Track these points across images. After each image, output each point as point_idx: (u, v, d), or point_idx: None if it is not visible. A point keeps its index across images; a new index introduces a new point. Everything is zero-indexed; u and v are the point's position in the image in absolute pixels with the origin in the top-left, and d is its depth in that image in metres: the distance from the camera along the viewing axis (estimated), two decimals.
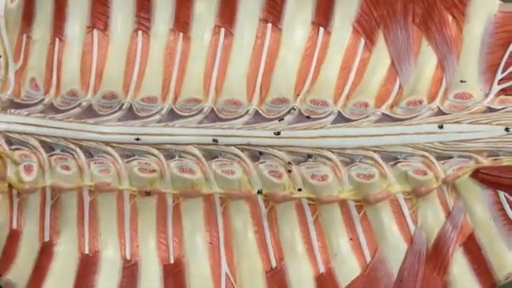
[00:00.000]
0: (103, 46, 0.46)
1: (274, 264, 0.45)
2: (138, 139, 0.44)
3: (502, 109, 0.45)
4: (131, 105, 0.44)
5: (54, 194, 0.45)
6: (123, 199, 0.44)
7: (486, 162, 0.44)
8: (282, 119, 0.44)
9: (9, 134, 0.44)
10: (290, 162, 0.44)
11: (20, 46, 0.46)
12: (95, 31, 0.46)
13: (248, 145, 0.44)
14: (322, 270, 0.45)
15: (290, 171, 0.44)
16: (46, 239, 0.45)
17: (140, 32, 0.45)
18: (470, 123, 0.44)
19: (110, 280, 0.44)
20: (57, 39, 0.46)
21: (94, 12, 0.46)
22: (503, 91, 0.45)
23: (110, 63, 0.45)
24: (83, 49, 0.46)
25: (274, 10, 0.45)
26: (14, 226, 0.45)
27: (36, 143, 0.44)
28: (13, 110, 0.45)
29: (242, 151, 0.44)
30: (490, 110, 0.45)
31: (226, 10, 0.45)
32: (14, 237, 0.45)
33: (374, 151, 0.44)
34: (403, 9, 0.45)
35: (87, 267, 0.44)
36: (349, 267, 0.44)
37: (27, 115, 0.44)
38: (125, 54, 0.45)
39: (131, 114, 0.44)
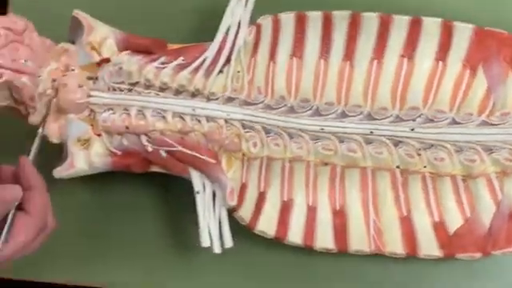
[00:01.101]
0: (299, 68, 0.53)
1: (404, 213, 0.51)
2: (322, 129, 0.51)
3: None
4: (318, 107, 0.52)
5: (268, 161, 0.52)
6: (309, 166, 0.52)
7: None
8: (415, 120, 0.51)
9: (244, 122, 0.52)
10: (419, 148, 0.51)
11: (250, 65, 0.53)
12: (294, 58, 0.53)
13: (392, 136, 0.51)
14: (437, 219, 0.51)
15: (419, 154, 0.51)
16: (262, 189, 0.52)
17: (322, 60, 0.53)
18: None
19: (299, 217, 0.51)
20: (271, 62, 0.53)
21: (294, 46, 0.53)
22: None
23: (304, 80, 0.53)
24: (286, 70, 0.53)
25: (409, 50, 0.52)
26: (243, 180, 0.52)
27: (259, 128, 0.52)
28: (246, 107, 0.52)
29: (388, 140, 0.51)
30: None
31: (378, 48, 0.52)
32: (243, 187, 0.52)
33: (477, 144, 0.50)
34: (497, 51, 0.51)
35: (285, 208, 0.51)
36: (454, 219, 0.51)
37: (254, 110, 0.52)
38: (312, 74, 0.53)
39: (317, 113, 0.52)
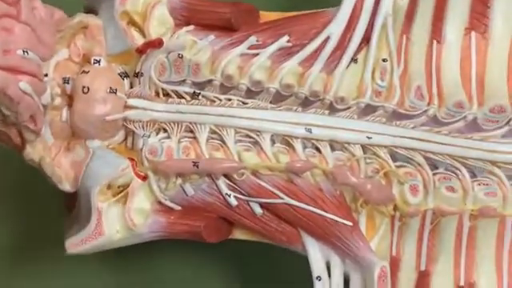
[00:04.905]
0: (481, 51, 0.36)
1: None
2: None
3: None
4: None
5: (434, 218, 0.35)
6: (504, 226, 0.35)
7: None
8: None
9: (394, 149, 0.34)
10: None
11: (400, 47, 0.35)
12: (473, 34, 0.35)
13: None
14: None
15: None
16: (422, 268, 0.35)
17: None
18: None
19: None
20: (434, 41, 0.36)
21: (474, 13, 0.36)
22: None
23: (491, 70, 0.35)
24: (461, 54, 0.36)
25: None
26: (394, 252, 0.35)
27: (421, 160, 0.34)
28: (397, 122, 0.35)
29: None
30: None
31: None
32: (394, 265, 0.35)
33: None
34: None
35: None
36: None
37: (411, 128, 0.34)
38: (505, 60, 0.35)
39: None
